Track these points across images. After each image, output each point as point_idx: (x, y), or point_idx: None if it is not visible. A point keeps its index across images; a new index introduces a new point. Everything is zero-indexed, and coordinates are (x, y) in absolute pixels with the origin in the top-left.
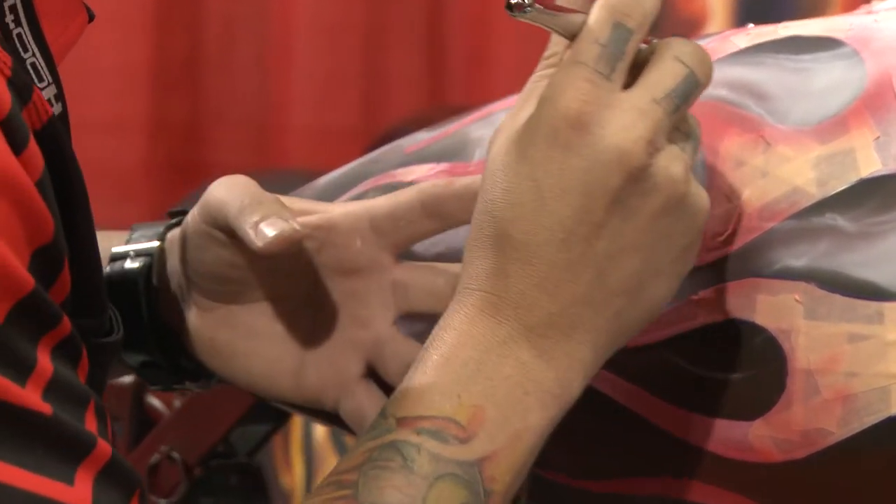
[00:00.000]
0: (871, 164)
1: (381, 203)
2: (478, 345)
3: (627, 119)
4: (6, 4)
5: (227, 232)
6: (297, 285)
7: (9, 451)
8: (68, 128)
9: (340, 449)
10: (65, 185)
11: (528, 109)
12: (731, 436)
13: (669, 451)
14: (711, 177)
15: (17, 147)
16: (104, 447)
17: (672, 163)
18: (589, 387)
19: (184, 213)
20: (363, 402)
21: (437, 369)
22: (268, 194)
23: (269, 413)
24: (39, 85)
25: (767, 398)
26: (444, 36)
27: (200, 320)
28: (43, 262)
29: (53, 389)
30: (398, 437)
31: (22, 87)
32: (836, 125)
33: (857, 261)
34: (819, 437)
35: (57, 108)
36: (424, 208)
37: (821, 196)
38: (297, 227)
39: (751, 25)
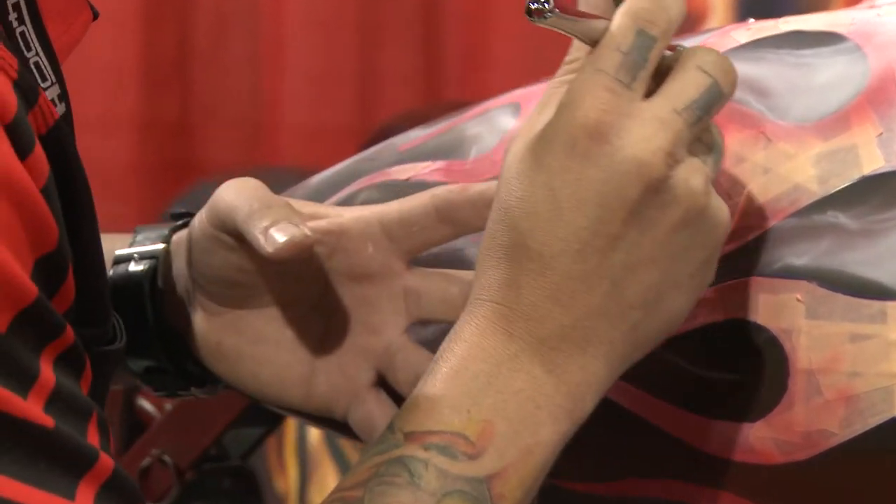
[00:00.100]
0: (873, 161)
1: (394, 208)
2: (489, 358)
3: (647, 130)
4: (9, 2)
5: (235, 236)
6: (307, 291)
7: (9, 464)
8: (72, 128)
9: (335, 452)
10: (70, 191)
11: (547, 116)
12: (731, 437)
13: (669, 453)
14: None
15: (23, 152)
16: (106, 461)
17: (692, 175)
18: None
19: (188, 214)
20: (373, 411)
21: (446, 382)
22: (277, 198)
23: (263, 416)
24: (43, 84)
25: (768, 399)
26: (440, 33)
27: (207, 324)
28: (46, 270)
29: (56, 401)
30: (405, 452)
31: (28, 90)
32: (838, 121)
33: (860, 259)
34: (821, 439)
35: (60, 108)
36: (438, 214)
37: (822, 194)
38: (308, 232)
39: (751, 20)
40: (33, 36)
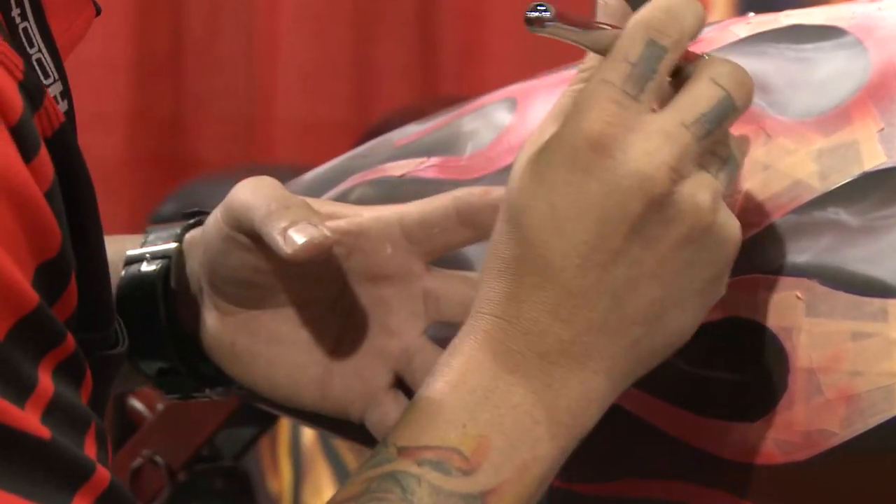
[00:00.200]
0: (874, 157)
1: (414, 209)
2: (487, 372)
3: (652, 143)
4: None
5: (252, 236)
6: (324, 291)
7: (3, 476)
8: (74, 126)
9: (329, 452)
10: (74, 194)
11: (554, 126)
12: (731, 437)
13: (669, 453)
14: None
15: (28, 154)
16: (103, 473)
17: (699, 191)
18: None
19: (201, 213)
20: (391, 413)
21: (443, 396)
22: (295, 197)
23: (256, 415)
24: (45, 82)
25: (768, 398)
26: (436, 28)
27: (221, 324)
28: (48, 276)
29: (53, 411)
30: (398, 467)
31: (34, 91)
32: (839, 116)
33: (861, 256)
34: (821, 439)
35: (63, 106)
36: (459, 216)
37: (823, 190)
38: (328, 233)
39: (751, 14)
40: (36, 32)
